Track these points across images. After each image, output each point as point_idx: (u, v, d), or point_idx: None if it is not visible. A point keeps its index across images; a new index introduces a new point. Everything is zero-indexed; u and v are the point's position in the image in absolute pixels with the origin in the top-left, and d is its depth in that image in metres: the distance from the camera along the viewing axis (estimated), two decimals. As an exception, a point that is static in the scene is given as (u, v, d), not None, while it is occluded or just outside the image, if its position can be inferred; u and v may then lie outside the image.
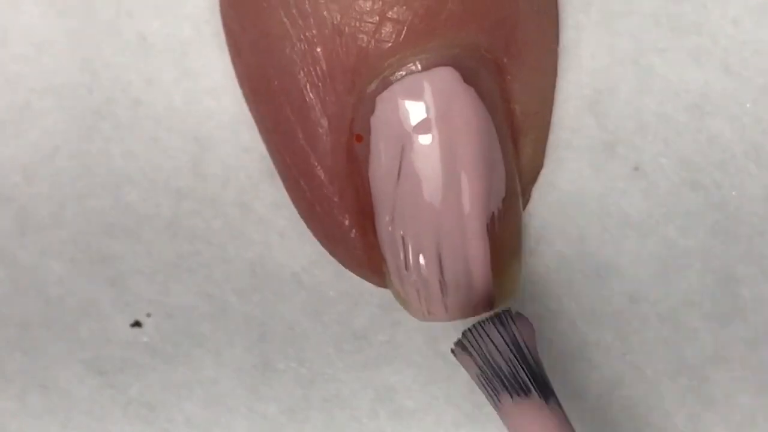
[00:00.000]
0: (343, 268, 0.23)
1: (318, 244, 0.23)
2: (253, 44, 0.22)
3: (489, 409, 0.23)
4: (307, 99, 0.21)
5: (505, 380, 0.20)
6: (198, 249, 0.23)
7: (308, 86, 0.21)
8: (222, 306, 0.24)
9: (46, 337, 0.24)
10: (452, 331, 0.23)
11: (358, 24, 0.21)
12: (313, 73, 0.21)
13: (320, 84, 0.21)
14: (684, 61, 0.23)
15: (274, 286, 0.23)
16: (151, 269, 0.23)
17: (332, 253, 0.23)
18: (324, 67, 0.21)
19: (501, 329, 0.20)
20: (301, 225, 0.23)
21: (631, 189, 0.23)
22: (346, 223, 0.22)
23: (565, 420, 0.20)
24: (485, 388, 0.20)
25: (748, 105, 0.23)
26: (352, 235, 0.22)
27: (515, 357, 0.20)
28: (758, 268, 0.23)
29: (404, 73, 0.21)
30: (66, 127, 0.23)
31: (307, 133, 0.21)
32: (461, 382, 0.23)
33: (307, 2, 0.21)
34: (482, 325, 0.20)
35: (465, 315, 0.21)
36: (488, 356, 0.20)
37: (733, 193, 0.23)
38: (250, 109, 0.23)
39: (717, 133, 0.23)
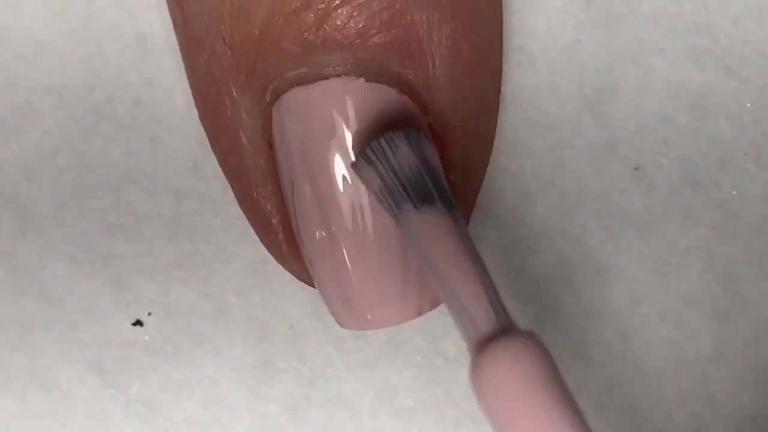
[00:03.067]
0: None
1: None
2: (187, 47, 0.22)
3: (489, 408, 0.23)
4: (227, 106, 0.21)
5: (409, 189, 0.19)
6: (198, 248, 0.24)
7: (224, 93, 0.21)
8: (222, 305, 0.24)
9: (46, 337, 0.24)
10: (453, 330, 0.23)
11: (241, 38, 0.21)
12: (225, 81, 0.21)
13: (234, 91, 0.21)
14: (684, 61, 0.23)
15: (275, 285, 0.23)
16: (151, 269, 0.23)
17: (270, 254, 0.23)
18: (231, 77, 0.21)
19: (409, 142, 0.20)
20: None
21: (632, 188, 0.23)
22: (276, 226, 0.22)
23: (466, 231, 0.19)
24: (386, 199, 0.20)
25: (748, 105, 0.23)
26: (281, 239, 0.22)
27: (421, 168, 0.20)
28: (758, 268, 0.23)
29: (292, 85, 0.21)
30: (66, 127, 0.23)
31: (229, 139, 0.22)
32: (462, 382, 0.24)
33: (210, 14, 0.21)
34: (390, 136, 0.20)
35: (375, 326, 0.21)
36: (393, 166, 0.20)
37: (733, 192, 0.23)
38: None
39: (717, 132, 0.23)
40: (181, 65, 0.23)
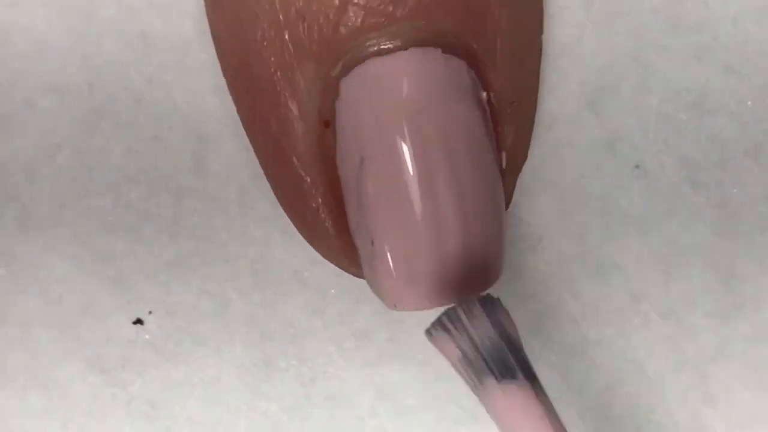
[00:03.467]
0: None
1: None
2: (229, 31, 0.22)
3: (490, 407, 0.23)
4: (278, 85, 0.21)
5: (490, 362, 0.19)
6: (199, 247, 0.23)
7: (278, 72, 0.21)
8: (223, 304, 0.24)
9: (47, 336, 0.24)
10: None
11: (320, 7, 0.20)
12: (281, 58, 0.21)
13: (289, 69, 0.21)
14: (685, 60, 0.23)
15: (276, 284, 0.23)
16: (152, 267, 0.23)
17: (310, 242, 0.22)
18: (292, 52, 0.21)
19: (487, 311, 0.20)
20: (303, 223, 0.23)
21: (632, 187, 0.23)
22: (321, 211, 0.22)
23: (550, 404, 0.19)
24: (466, 372, 0.20)
25: (748, 103, 0.23)
26: (327, 224, 0.22)
27: (501, 340, 0.19)
28: (759, 266, 0.23)
29: (368, 56, 0.20)
30: (67, 125, 0.23)
31: (279, 120, 0.21)
32: (463, 381, 0.23)
33: None
34: (467, 305, 0.20)
35: (434, 305, 0.21)
36: (472, 336, 0.19)
37: (734, 191, 0.23)
38: (233, 99, 0.23)
39: (717, 131, 0.23)
40: (182, 64, 0.23)
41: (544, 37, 0.23)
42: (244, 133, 0.23)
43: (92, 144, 0.23)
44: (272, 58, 0.21)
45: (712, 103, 0.23)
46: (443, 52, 0.21)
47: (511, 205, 0.23)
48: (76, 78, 0.23)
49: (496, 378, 0.19)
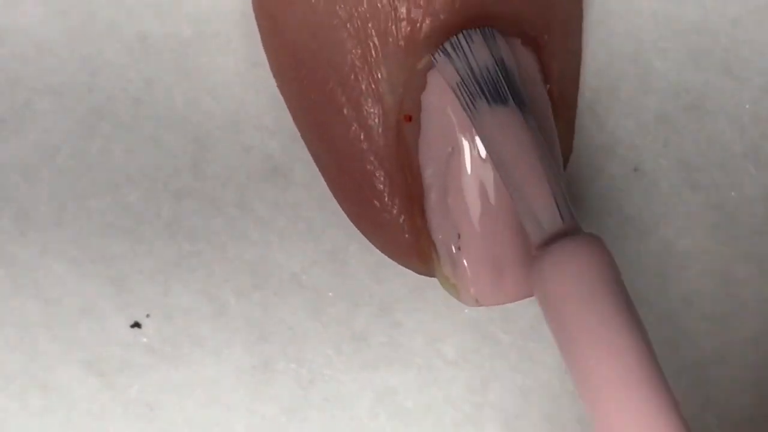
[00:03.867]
0: (342, 268, 0.23)
1: (317, 244, 0.23)
2: (299, 21, 0.21)
3: (489, 409, 0.23)
4: (357, 77, 0.21)
5: (483, 86, 0.20)
6: (198, 249, 0.23)
7: (360, 65, 0.21)
8: (222, 306, 0.23)
9: (45, 337, 0.23)
10: (452, 332, 0.23)
11: None
12: (365, 50, 0.21)
13: (373, 62, 0.21)
14: (683, 62, 0.23)
15: (274, 286, 0.23)
16: (151, 269, 0.23)
17: (378, 241, 0.22)
18: (377, 44, 0.21)
19: (487, 40, 0.20)
20: (302, 225, 0.23)
21: (631, 189, 0.23)
22: (395, 208, 0.21)
23: (537, 132, 0.20)
24: (462, 96, 0.20)
25: (747, 105, 0.23)
26: (401, 221, 0.21)
27: (497, 67, 0.20)
28: (757, 269, 0.23)
29: (454, 47, 0.20)
30: (66, 126, 0.23)
31: (358, 115, 0.21)
32: (461, 383, 0.24)
33: None
34: (468, 33, 0.20)
35: (519, 297, 0.21)
36: (470, 62, 0.20)
37: (733, 193, 0.23)
38: (285, 92, 0.22)
39: (716, 133, 0.23)
40: (181, 66, 0.23)
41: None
42: (243, 134, 0.23)
43: (91, 145, 0.23)
44: (354, 52, 0.21)
45: (710, 105, 0.23)
46: (523, 41, 0.21)
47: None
48: (76, 79, 0.23)
49: (488, 101, 0.20)
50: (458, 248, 0.21)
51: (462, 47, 0.20)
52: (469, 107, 0.20)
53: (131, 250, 0.23)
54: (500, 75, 0.20)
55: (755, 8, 0.23)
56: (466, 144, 0.20)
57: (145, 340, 0.24)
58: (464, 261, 0.21)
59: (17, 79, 0.23)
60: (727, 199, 0.23)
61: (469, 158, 0.20)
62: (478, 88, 0.20)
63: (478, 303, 0.21)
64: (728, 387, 0.23)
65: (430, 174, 0.21)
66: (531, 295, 0.20)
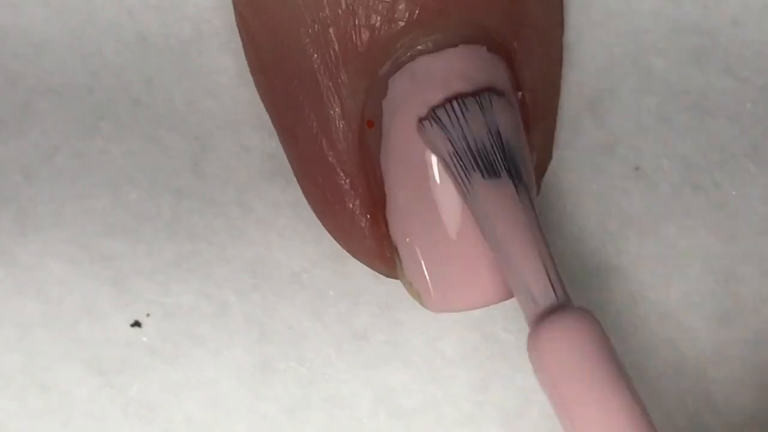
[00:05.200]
0: (343, 267, 0.23)
1: (317, 243, 0.23)
2: (266, 27, 0.21)
3: (489, 408, 0.23)
4: (320, 82, 0.21)
5: (478, 158, 0.20)
6: (198, 249, 0.23)
7: (321, 69, 0.21)
8: (222, 306, 0.24)
9: (45, 337, 0.23)
10: (452, 331, 0.23)
11: (371, 3, 0.20)
12: (325, 55, 0.21)
13: (333, 67, 0.21)
14: (684, 62, 0.23)
15: (274, 285, 0.23)
16: (151, 269, 0.23)
17: (342, 243, 0.22)
18: (336, 49, 0.21)
19: (483, 109, 0.20)
20: (302, 225, 0.23)
21: (632, 189, 0.23)
22: (357, 211, 0.21)
23: (532, 208, 0.20)
24: (455, 166, 0.20)
25: (747, 105, 0.23)
26: (363, 224, 0.21)
27: (492, 138, 0.20)
28: (758, 268, 0.23)
29: (418, 53, 0.20)
30: (66, 126, 0.23)
31: (320, 118, 0.21)
32: (461, 382, 0.24)
33: None
34: (463, 101, 0.20)
35: (468, 307, 0.21)
36: (465, 132, 0.20)
37: (733, 193, 0.23)
38: (262, 95, 0.22)
39: (717, 133, 0.23)
40: (181, 66, 0.23)
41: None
42: (243, 134, 0.23)
43: (91, 145, 0.23)
44: (316, 56, 0.21)
45: (711, 105, 0.23)
46: (489, 50, 0.21)
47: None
48: (75, 79, 0.23)
49: (482, 175, 0.20)
50: (407, 253, 0.21)
51: (457, 116, 0.20)
52: (462, 179, 0.20)
53: (131, 249, 0.23)
54: (495, 148, 0.20)
55: (755, 8, 0.23)
56: (427, 154, 0.20)
57: (145, 339, 0.24)
58: (412, 264, 0.21)
59: (17, 79, 0.23)
60: (728, 198, 0.23)
61: (425, 168, 0.20)
62: (472, 161, 0.20)
63: (438, 310, 0.21)
64: (728, 387, 0.23)
65: (390, 180, 0.21)
66: (489, 304, 0.21)
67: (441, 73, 0.20)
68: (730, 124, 0.23)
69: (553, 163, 0.23)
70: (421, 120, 0.20)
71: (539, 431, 0.23)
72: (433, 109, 0.20)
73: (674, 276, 0.23)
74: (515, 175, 0.20)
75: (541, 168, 0.22)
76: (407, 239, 0.21)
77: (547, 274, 0.20)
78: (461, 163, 0.20)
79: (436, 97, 0.20)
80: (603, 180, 0.23)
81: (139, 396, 0.24)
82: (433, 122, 0.20)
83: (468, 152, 0.20)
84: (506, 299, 0.21)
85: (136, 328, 0.24)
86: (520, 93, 0.21)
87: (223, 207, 0.23)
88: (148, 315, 0.24)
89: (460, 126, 0.20)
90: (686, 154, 0.23)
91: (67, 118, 0.23)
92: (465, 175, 0.20)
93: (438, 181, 0.20)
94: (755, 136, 0.23)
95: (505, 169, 0.20)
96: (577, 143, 0.23)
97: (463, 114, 0.20)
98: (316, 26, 0.21)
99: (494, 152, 0.20)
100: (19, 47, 0.23)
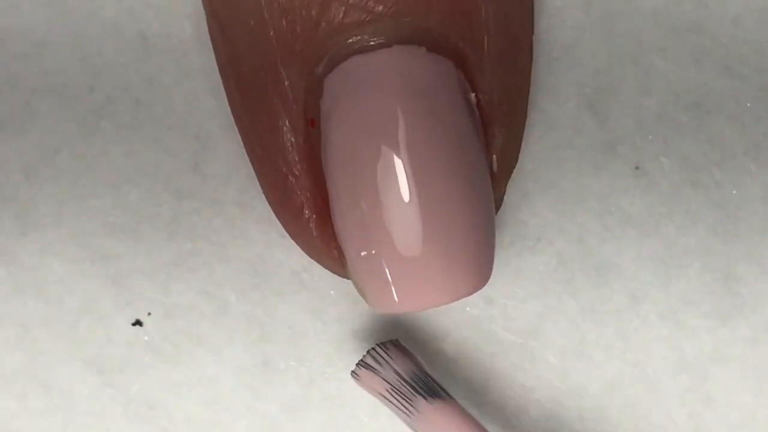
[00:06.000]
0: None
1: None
2: (220, 27, 0.22)
3: (490, 408, 0.23)
4: (264, 83, 0.21)
5: (417, 387, 0.22)
6: (198, 248, 0.23)
7: (264, 70, 0.21)
8: (222, 305, 0.24)
9: (46, 337, 0.24)
10: (452, 330, 0.23)
11: (302, 3, 0.20)
12: (267, 56, 0.21)
13: (274, 68, 0.21)
14: (684, 61, 0.23)
15: (275, 285, 0.23)
16: (151, 268, 0.23)
17: (296, 242, 0.22)
18: (276, 50, 0.21)
19: (400, 349, 0.22)
20: (302, 224, 0.23)
21: (632, 188, 0.23)
22: (305, 211, 0.21)
23: (470, 415, 0.22)
24: (397, 400, 0.22)
25: (748, 104, 0.23)
26: (311, 224, 0.21)
27: (418, 368, 0.22)
28: (758, 267, 0.23)
29: (351, 53, 0.20)
30: (67, 126, 0.23)
31: (267, 118, 0.21)
32: (461, 381, 0.24)
33: None
34: (383, 347, 0.22)
35: (420, 306, 0.21)
36: (396, 369, 0.22)
37: (733, 192, 0.23)
38: (227, 97, 0.22)
39: (717, 132, 0.23)
40: (182, 65, 0.23)
41: (543, 38, 0.23)
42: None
43: (91, 145, 0.23)
44: (258, 56, 0.21)
45: (711, 104, 0.23)
46: (428, 50, 0.20)
47: (510, 207, 0.23)
48: (76, 79, 0.23)
49: (426, 399, 0.22)
50: (353, 256, 0.21)
51: (383, 357, 0.22)
52: (407, 408, 0.22)
53: (132, 249, 0.23)
54: (429, 375, 0.22)
55: (755, 8, 0.23)
56: (358, 154, 0.20)
57: (145, 338, 0.24)
58: (352, 266, 0.21)
59: (17, 79, 0.23)
60: (728, 197, 0.23)
61: (361, 169, 0.20)
62: (411, 390, 0.22)
63: (383, 310, 0.21)
64: (728, 387, 0.23)
65: (330, 180, 0.21)
66: (433, 306, 0.21)
67: (374, 73, 0.20)
68: (730, 123, 0.23)
69: (554, 163, 0.23)
70: (352, 372, 0.22)
71: (539, 431, 0.24)
72: (361, 360, 0.22)
73: (674, 275, 0.23)
74: (448, 394, 0.22)
75: (504, 170, 0.22)
76: (348, 241, 0.21)
77: None
78: (401, 395, 0.22)
79: (368, 101, 0.20)
80: (603, 179, 0.23)
81: (140, 395, 0.24)
82: (362, 368, 0.22)
83: (404, 384, 0.22)
84: (452, 301, 0.21)
85: (137, 327, 0.24)
86: (474, 95, 0.21)
87: (224, 206, 0.23)
88: (148, 314, 0.24)
89: (389, 364, 0.22)
90: (686, 153, 0.23)
91: (68, 118, 0.23)
92: (408, 404, 0.22)
93: (376, 180, 0.20)
94: (755, 135, 0.23)
95: (441, 389, 0.22)
96: (577, 143, 0.23)
97: (387, 354, 0.22)
98: (258, 28, 0.21)
99: (427, 378, 0.22)
100: (20, 47, 0.23)
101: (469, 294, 0.21)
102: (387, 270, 0.20)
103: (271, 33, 0.21)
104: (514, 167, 0.22)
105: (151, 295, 0.24)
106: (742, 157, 0.23)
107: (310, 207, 0.21)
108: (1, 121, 0.23)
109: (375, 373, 0.22)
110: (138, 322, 0.24)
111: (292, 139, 0.21)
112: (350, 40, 0.20)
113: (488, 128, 0.21)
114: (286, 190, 0.22)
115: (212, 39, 0.22)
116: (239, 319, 0.24)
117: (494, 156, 0.21)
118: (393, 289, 0.20)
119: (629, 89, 0.23)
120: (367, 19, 0.20)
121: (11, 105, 0.23)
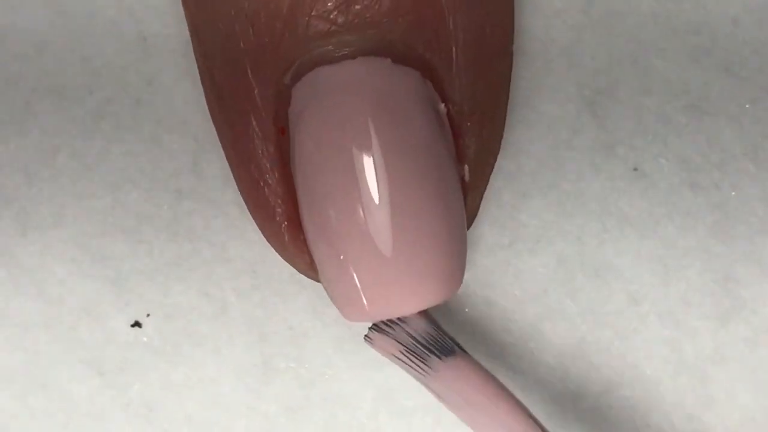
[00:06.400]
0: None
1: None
2: (196, 35, 0.22)
3: (489, 408, 0.23)
4: (235, 92, 0.21)
5: (430, 345, 0.21)
6: (198, 249, 0.23)
7: (235, 79, 0.21)
8: (222, 306, 0.24)
9: (46, 337, 0.24)
10: (452, 331, 0.23)
11: (268, 14, 0.20)
12: (238, 65, 0.21)
13: (245, 76, 0.21)
14: (684, 62, 0.23)
15: (275, 285, 0.23)
16: (151, 269, 0.23)
17: (271, 245, 0.22)
18: (246, 59, 0.21)
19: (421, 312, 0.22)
20: (302, 225, 0.23)
21: (631, 189, 0.23)
22: (278, 217, 0.22)
23: (483, 369, 0.21)
24: (411, 360, 0.21)
25: (747, 105, 0.23)
26: (283, 230, 0.22)
27: (431, 326, 0.21)
28: (758, 268, 0.23)
29: (316, 63, 0.20)
30: (67, 127, 0.23)
31: (240, 126, 0.21)
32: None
33: None
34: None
35: (390, 313, 0.21)
36: (407, 330, 0.21)
37: (733, 193, 0.23)
38: (207, 104, 0.23)
39: (716, 133, 0.23)
40: (182, 65, 0.23)
41: (542, 38, 0.23)
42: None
43: (91, 145, 0.23)
44: (230, 66, 0.21)
45: (710, 105, 0.23)
46: (394, 61, 0.20)
47: (510, 208, 0.23)
48: (76, 79, 0.23)
49: (439, 357, 0.21)
50: (320, 263, 0.21)
51: (395, 319, 0.21)
52: (422, 369, 0.21)
53: (131, 250, 0.23)
54: (440, 331, 0.22)
55: (755, 8, 0.23)
56: (323, 164, 0.20)
57: (145, 339, 0.24)
58: (321, 275, 0.21)
59: (17, 79, 0.23)
60: (727, 198, 0.23)
61: (326, 179, 0.20)
62: (425, 350, 0.21)
63: (351, 319, 0.21)
64: (728, 387, 0.23)
65: (299, 188, 0.21)
66: (401, 313, 0.21)
67: (338, 84, 0.20)
68: (730, 124, 0.23)
69: (553, 164, 0.23)
70: (365, 336, 0.22)
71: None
72: (374, 323, 0.21)
73: (673, 276, 0.23)
74: (462, 349, 0.21)
75: (478, 180, 0.22)
76: (317, 248, 0.21)
77: (530, 416, 0.21)
78: (415, 355, 0.21)
79: (333, 111, 0.20)
80: (603, 180, 0.23)
81: (140, 396, 0.24)
82: (375, 331, 0.22)
83: (418, 344, 0.21)
84: (417, 310, 0.21)
85: (137, 328, 0.24)
86: (443, 105, 0.21)
87: (223, 207, 0.23)
88: (148, 315, 0.24)
89: (400, 326, 0.21)
90: (685, 154, 0.23)
91: (68, 119, 0.23)
92: (424, 363, 0.21)
93: (342, 190, 0.20)
94: (754, 136, 0.23)
95: (456, 344, 0.21)
96: (577, 143, 0.23)
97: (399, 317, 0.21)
98: (229, 37, 0.21)
99: (440, 334, 0.21)
100: (20, 47, 0.23)
101: (439, 301, 0.21)
102: (356, 277, 0.20)
103: (241, 44, 0.21)
104: (489, 177, 0.22)
105: (150, 295, 0.24)
106: (741, 158, 0.23)
107: (282, 213, 0.21)
108: (1, 121, 0.23)
109: (387, 336, 0.21)
110: (137, 323, 0.24)
111: (264, 147, 0.21)
112: (315, 52, 0.20)
113: (459, 138, 0.21)
114: (260, 196, 0.22)
115: (193, 49, 0.22)
116: (239, 320, 0.24)
117: (466, 166, 0.21)
118: (363, 296, 0.21)
119: (629, 90, 0.23)
120: (331, 30, 0.20)
121: (11, 105, 0.23)
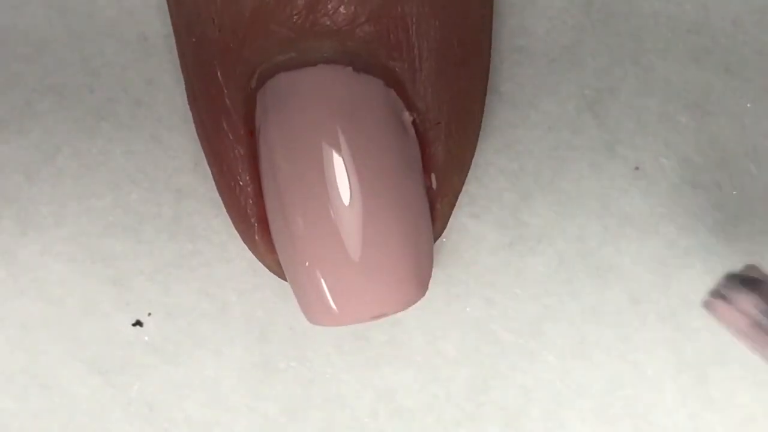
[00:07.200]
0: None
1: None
2: (176, 34, 0.22)
3: (490, 408, 0.23)
4: (207, 94, 0.21)
5: None
6: (199, 248, 0.24)
7: (207, 81, 0.21)
8: (223, 305, 0.24)
9: (46, 337, 0.24)
10: (452, 331, 0.23)
11: (231, 19, 0.20)
12: (209, 68, 0.21)
13: (215, 79, 0.21)
14: (684, 61, 0.23)
15: (275, 285, 0.23)
16: (151, 269, 0.24)
17: (245, 244, 0.22)
18: (216, 63, 0.21)
19: (759, 275, 0.19)
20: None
21: (632, 189, 0.23)
22: (251, 218, 0.22)
23: None
24: (760, 336, 0.18)
25: (748, 105, 0.23)
26: (253, 230, 0.22)
27: None
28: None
29: (278, 70, 0.20)
30: (67, 126, 0.23)
31: (214, 128, 0.21)
32: (461, 382, 0.24)
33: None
34: (739, 274, 0.19)
35: (336, 323, 0.21)
36: (759, 301, 0.18)
37: (734, 193, 0.23)
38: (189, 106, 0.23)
39: (717, 133, 0.23)
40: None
41: (542, 38, 0.23)
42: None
43: (92, 145, 0.23)
44: (203, 68, 0.21)
45: (711, 104, 0.23)
46: (356, 70, 0.20)
47: (511, 207, 0.23)
48: (76, 79, 0.23)
49: None
50: (287, 268, 0.21)
51: (742, 287, 0.19)
52: None
53: (132, 249, 0.23)
54: None
55: (755, 8, 0.23)
56: (284, 170, 0.20)
57: (146, 339, 0.24)
58: (288, 279, 0.21)
59: (17, 79, 0.23)
60: (728, 198, 0.23)
61: (286, 184, 0.20)
62: None
63: (314, 322, 0.21)
64: (729, 386, 0.23)
65: (264, 190, 0.21)
66: (364, 320, 0.21)
67: (298, 91, 0.20)
68: (731, 123, 0.23)
69: (553, 164, 0.23)
70: (705, 301, 0.19)
71: (539, 431, 0.24)
72: (717, 289, 0.19)
73: (674, 276, 0.23)
74: None
75: (446, 188, 0.22)
76: (282, 254, 0.21)
77: None
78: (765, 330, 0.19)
79: (293, 118, 0.20)
80: (603, 180, 0.23)
81: (140, 395, 0.24)
82: (718, 297, 0.19)
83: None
84: (383, 316, 0.21)
85: (137, 328, 0.24)
86: (407, 113, 0.21)
87: (223, 207, 0.23)
88: (149, 314, 0.24)
89: (750, 295, 0.19)
90: (686, 154, 0.23)
91: (68, 118, 0.23)
92: None
93: (302, 197, 0.20)
94: (755, 136, 0.23)
95: None
96: (577, 143, 0.23)
97: (746, 284, 0.19)
98: (202, 41, 0.21)
99: None
100: (20, 47, 0.23)
101: (407, 306, 0.21)
102: (323, 282, 0.21)
103: (212, 47, 0.21)
104: (461, 185, 0.22)
105: (151, 295, 0.24)
106: (742, 158, 0.23)
107: (254, 215, 0.22)
108: (1, 121, 0.23)
109: (732, 306, 0.18)
110: (138, 323, 0.24)
111: (235, 149, 0.21)
112: (277, 58, 0.21)
113: (426, 147, 0.21)
114: (232, 195, 0.22)
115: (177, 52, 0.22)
116: (240, 320, 0.24)
117: (433, 174, 0.21)
118: (330, 301, 0.21)
119: (629, 90, 0.23)
120: (292, 37, 0.20)
121: (11, 105, 0.23)
